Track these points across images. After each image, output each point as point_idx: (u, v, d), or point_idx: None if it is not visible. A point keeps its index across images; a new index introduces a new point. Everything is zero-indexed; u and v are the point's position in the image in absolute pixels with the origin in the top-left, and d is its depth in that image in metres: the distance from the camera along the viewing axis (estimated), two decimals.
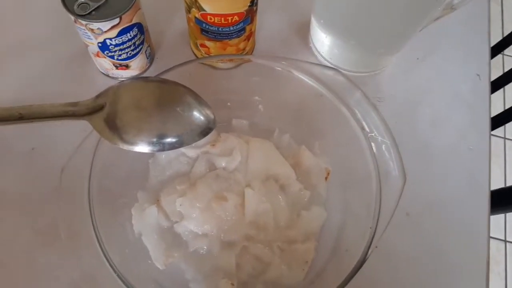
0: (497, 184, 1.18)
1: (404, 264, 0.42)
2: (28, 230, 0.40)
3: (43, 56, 0.50)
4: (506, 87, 0.76)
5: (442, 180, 0.45)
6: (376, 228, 0.33)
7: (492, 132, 0.49)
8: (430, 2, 0.40)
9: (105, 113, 0.34)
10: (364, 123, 0.36)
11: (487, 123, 0.48)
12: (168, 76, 0.37)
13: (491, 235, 0.44)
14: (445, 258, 0.42)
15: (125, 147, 0.33)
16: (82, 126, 0.34)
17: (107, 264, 0.30)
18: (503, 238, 1.22)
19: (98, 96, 0.35)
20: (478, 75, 0.51)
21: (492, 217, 0.45)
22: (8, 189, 0.42)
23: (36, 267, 0.39)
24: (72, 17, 0.40)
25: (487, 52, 0.54)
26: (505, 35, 0.80)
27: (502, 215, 1.23)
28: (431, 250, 0.43)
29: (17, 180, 0.43)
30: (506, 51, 0.99)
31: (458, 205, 0.44)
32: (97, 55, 0.44)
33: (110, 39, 0.42)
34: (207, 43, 0.46)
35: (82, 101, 0.35)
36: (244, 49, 0.48)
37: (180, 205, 0.38)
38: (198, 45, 0.47)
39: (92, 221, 0.31)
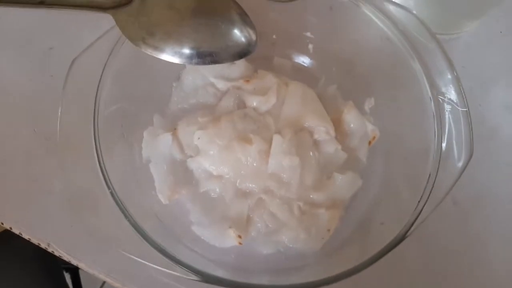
0: None
1: (440, 256, 0.36)
2: (30, 131, 0.37)
3: None
4: None
5: (503, 172, 0.39)
6: (425, 204, 0.27)
7: None
8: None
9: (132, 8, 0.28)
10: (438, 82, 0.29)
11: None
12: None
13: None
14: (487, 260, 0.36)
15: (148, 51, 0.28)
16: (108, 26, 0.29)
17: (103, 180, 0.26)
18: None
19: None
20: None
21: None
22: (19, 85, 0.39)
23: (33, 173, 0.36)
24: None
25: None
26: None
27: None
28: (473, 248, 0.37)
29: (30, 78, 0.39)
30: None
31: None
32: None
33: None
34: None
35: None
36: None
37: (199, 138, 0.33)
38: None
39: (93, 131, 0.27)
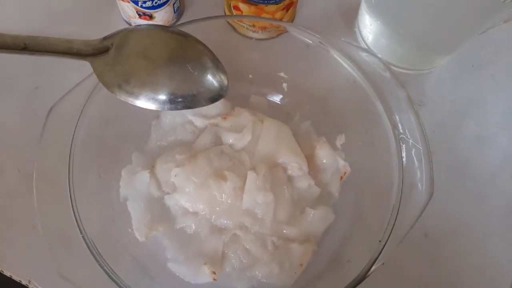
0: None
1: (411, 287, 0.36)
2: (15, 171, 0.38)
3: None
4: None
5: (473, 204, 0.40)
6: (386, 243, 0.28)
7: None
8: (495, 4, 0.34)
9: (109, 57, 0.30)
10: (398, 123, 0.31)
11: None
12: (191, 29, 0.33)
13: None
14: None
15: (123, 97, 0.29)
16: (89, 69, 0.31)
17: (76, 225, 0.27)
18: None
19: (106, 38, 0.31)
20: None
21: None
22: (4, 124, 0.40)
23: (16, 211, 0.37)
24: None
25: None
26: None
27: None
28: (446, 280, 0.37)
29: (16, 118, 0.41)
30: None
31: (486, 236, 0.38)
32: None
33: None
34: (241, 5, 0.42)
35: (89, 40, 0.31)
36: (280, 20, 0.43)
37: (175, 175, 0.35)
38: (232, 7, 0.43)
39: (68, 173, 0.28)
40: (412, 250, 0.37)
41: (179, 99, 0.30)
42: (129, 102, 0.29)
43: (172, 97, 0.30)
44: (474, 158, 0.42)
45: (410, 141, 0.31)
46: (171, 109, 0.30)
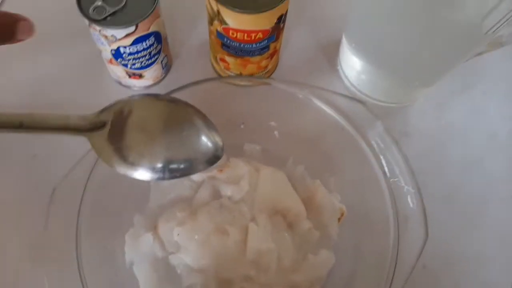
0: None
1: None
2: (18, 243, 0.38)
3: (55, 57, 0.48)
4: None
5: (468, 232, 0.41)
6: (391, 284, 0.29)
7: None
8: (476, 37, 0.36)
9: (106, 132, 0.31)
10: (385, 166, 0.32)
11: None
12: (182, 93, 0.34)
13: None
14: None
15: (122, 171, 0.30)
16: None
17: None
18: None
19: (102, 111, 0.32)
20: None
21: None
22: (3, 196, 0.40)
23: (22, 285, 0.37)
24: (87, 21, 0.38)
25: None
26: None
27: None
28: None
29: (14, 188, 0.41)
30: None
31: (483, 263, 0.40)
32: (110, 62, 0.42)
33: (124, 47, 0.39)
34: (227, 58, 0.43)
35: (85, 114, 0.32)
36: (266, 67, 0.45)
37: (178, 235, 0.35)
38: (218, 59, 0.45)
39: (76, 247, 0.29)
40: (412, 283, 0.38)
41: (177, 168, 0.31)
42: (129, 176, 0.30)
43: (170, 167, 0.31)
44: (464, 185, 0.43)
45: (405, 187, 0.32)
46: (171, 178, 0.31)
